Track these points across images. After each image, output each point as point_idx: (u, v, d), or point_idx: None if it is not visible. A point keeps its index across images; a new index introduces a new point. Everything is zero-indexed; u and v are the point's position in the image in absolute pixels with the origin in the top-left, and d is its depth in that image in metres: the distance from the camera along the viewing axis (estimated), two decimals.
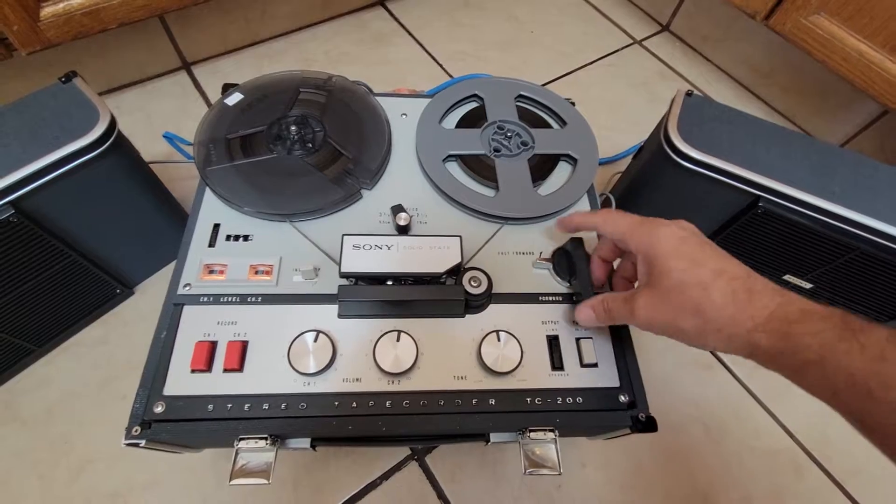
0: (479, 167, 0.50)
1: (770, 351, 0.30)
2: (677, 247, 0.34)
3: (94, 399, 0.58)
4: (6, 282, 0.49)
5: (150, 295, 0.65)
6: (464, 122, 0.54)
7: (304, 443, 0.43)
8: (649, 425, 0.40)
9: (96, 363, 0.60)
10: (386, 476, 0.56)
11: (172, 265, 0.66)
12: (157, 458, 0.52)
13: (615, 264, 0.44)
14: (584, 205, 0.50)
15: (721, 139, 0.52)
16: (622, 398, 0.41)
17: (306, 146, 0.50)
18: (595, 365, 0.42)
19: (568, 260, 0.45)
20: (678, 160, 0.52)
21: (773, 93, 0.94)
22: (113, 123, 0.49)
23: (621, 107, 0.92)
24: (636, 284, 0.39)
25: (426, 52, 0.96)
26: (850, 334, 0.27)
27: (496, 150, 0.51)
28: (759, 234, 0.53)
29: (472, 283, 0.42)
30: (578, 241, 0.44)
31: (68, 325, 0.60)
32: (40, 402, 0.57)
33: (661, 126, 0.55)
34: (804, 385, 0.29)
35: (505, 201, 0.48)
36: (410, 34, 0.98)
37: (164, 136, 0.66)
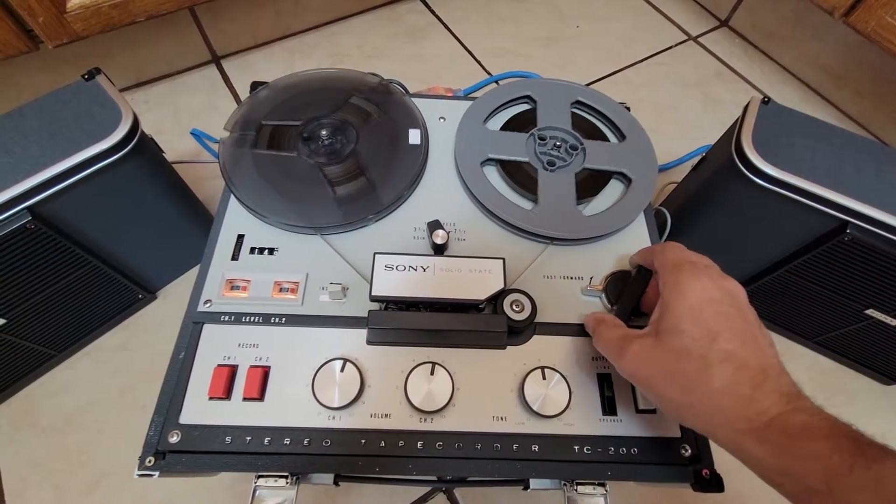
0: (523, 178, 0.46)
1: (764, 463, 0.27)
2: (701, 308, 0.29)
3: (113, 408, 0.56)
4: (25, 289, 0.47)
5: (172, 300, 0.63)
6: (510, 127, 0.50)
7: (327, 478, 0.40)
8: (715, 484, 0.35)
9: (117, 370, 0.58)
10: None
11: (196, 269, 0.65)
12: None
13: None
14: (639, 226, 0.45)
15: (803, 155, 0.46)
16: (684, 451, 0.36)
17: (330, 155, 0.46)
18: (653, 411, 0.37)
19: (620, 286, 0.40)
20: (752, 177, 0.46)
21: (845, 97, 0.85)
22: (136, 125, 0.46)
23: (674, 109, 0.85)
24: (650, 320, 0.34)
25: (464, 47, 0.91)
26: (864, 463, 0.23)
27: (550, 164, 0.46)
28: (841, 264, 0.47)
29: (514, 307, 0.38)
30: (645, 272, 0.39)
31: (90, 331, 0.58)
32: (60, 409, 0.56)
33: (732, 137, 0.48)
34: None
35: (548, 218, 0.43)
36: (447, 28, 0.93)
37: (192, 133, 0.63)
